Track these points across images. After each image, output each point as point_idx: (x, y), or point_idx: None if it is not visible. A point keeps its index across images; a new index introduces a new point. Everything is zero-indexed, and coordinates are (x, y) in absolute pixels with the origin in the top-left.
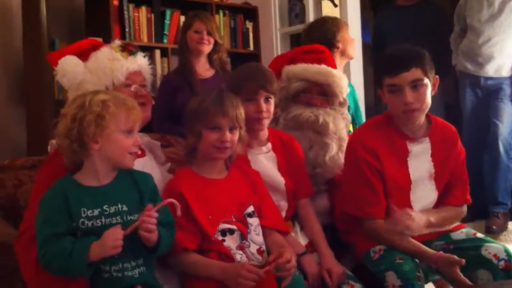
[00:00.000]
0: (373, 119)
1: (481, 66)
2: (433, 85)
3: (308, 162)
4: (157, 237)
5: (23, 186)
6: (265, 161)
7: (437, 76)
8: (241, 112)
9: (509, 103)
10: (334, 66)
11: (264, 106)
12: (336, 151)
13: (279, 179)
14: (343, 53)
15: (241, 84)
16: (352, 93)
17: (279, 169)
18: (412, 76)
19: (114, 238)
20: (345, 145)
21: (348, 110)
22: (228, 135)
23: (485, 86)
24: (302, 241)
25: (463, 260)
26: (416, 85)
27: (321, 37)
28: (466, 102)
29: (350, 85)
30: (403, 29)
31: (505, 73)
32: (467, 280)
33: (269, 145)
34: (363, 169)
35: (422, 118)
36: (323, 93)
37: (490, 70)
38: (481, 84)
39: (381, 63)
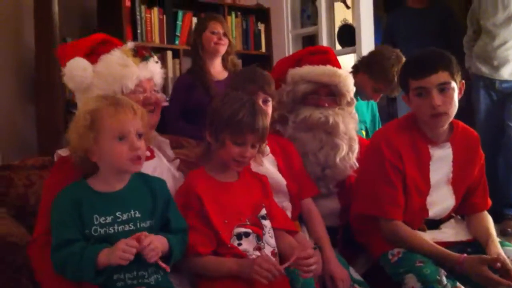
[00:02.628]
0: (398, 120)
1: (496, 69)
2: (460, 90)
3: (317, 164)
4: (168, 247)
5: (34, 186)
6: (265, 164)
7: (463, 81)
8: (267, 125)
9: None
10: (339, 66)
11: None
12: (346, 152)
13: (281, 180)
14: (375, 90)
15: (241, 86)
16: (372, 107)
17: (280, 171)
18: (440, 78)
19: (126, 250)
20: (355, 145)
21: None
22: (250, 151)
23: (500, 89)
24: (310, 241)
25: (501, 258)
26: (444, 88)
27: (387, 69)
28: (481, 105)
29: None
30: (413, 31)
31: None
32: (499, 278)
33: (267, 148)
34: (387, 168)
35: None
36: (331, 94)
37: (506, 73)
38: (496, 87)
39: (406, 67)
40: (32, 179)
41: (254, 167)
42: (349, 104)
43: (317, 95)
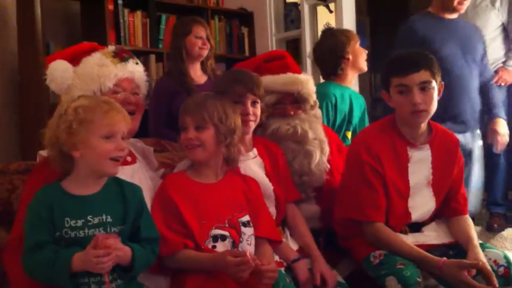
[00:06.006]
0: (377, 122)
1: None
2: (439, 90)
3: (294, 172)
4: (131, 257)
5: (16, 190)
6: (253, 167)
7: (442, 82)
8: (212, 110)
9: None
10: (298, 70)
11: (251, 109)
12: (319, 156)
13: (268, 185)
14: (354, 65)
15: (229, 87)
16: (362, 104)
17: (267, 175)
18: (421, 77)
19: (99, 262)
20: (325, 146)
21: (352, 121)
22: (192, 133)
23: None
24: (293, 246)
25: (480, 263)
26: (425, 87)
27: (331, 49)
28: None
29: (361, 96)
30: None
31: None
32: (477, 283)
33: (255, 150)
34: (366, 171)
35: (425, 122)
36: (295, 101)
37: None
38: None
39: (389, 65)
40: (15, 183)
41: (242, 170)
42: (312, 107)
43: (282, 104)
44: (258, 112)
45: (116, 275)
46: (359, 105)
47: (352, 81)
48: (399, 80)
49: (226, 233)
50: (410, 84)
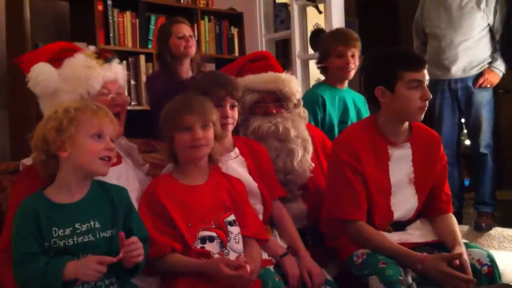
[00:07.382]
0: (358, 122)
1: (448, 69)
2: None
3: (278, 171)
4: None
5: (5, 191)
6: (236, 166)
7: None
8: (211, 109)
9: (481, 102)
10: (281, 70)
11: (229, 112)
12: (302, 154)
13: (252, 183)
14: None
15: (209, 90)
16: (364, 105)
17: (250, 173)
18: (426, 73)
19: (99, 269)
20: (309, 146)
21: (347, 122)
22: (199, 132)
23: (455, 89)
24: (282, 244)
25: (461, 254)
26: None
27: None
28: (437, 107)
29: (362, 97)
30: None
31: (472, 72)
32: (458, 273)
33: (237, 150)
34: (345, 170)
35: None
36: (277, 99)
37: (457, 71)
38: (451, 87)
39: (398, 59)
40: (3, 184)
41: (224, 171)
42: (296, 106)
43: (264, 103)
44: (236, 115)
45: (114, 279)
46: (353, 104)
47: (344, 82)
48: (412, 75)
49: (213, 234)
50: (422, 79)
